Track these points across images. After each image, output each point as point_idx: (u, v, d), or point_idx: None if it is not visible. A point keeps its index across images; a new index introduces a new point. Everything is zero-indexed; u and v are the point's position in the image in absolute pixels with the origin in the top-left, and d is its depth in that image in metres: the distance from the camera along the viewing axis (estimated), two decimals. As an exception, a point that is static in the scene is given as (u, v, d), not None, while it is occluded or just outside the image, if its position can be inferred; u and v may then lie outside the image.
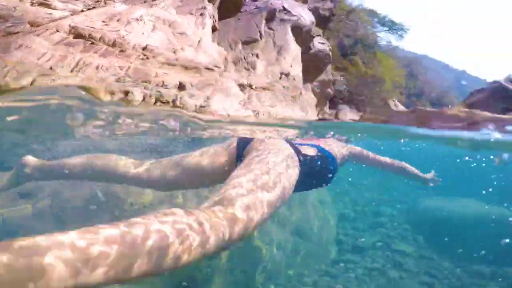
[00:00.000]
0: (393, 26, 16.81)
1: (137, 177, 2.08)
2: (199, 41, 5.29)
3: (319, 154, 2.12)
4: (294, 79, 8.06)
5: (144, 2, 5.88)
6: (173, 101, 3.46)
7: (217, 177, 2.04)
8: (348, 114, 11.58)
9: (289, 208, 6.32)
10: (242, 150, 2.01)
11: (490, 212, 6.77)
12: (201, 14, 6.45)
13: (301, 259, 6.27)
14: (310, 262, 6.36)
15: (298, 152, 1.95)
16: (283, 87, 7.32)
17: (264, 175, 1.42)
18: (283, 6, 10.92)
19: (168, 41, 4.59)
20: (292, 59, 9.21)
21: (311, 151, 2.11)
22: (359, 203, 8.13)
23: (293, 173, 1.70)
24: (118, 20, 4.14)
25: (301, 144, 2.18)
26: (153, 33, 4.57)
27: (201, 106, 3.72)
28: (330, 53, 11.61)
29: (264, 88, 6.51)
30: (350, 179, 8.80)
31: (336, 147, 2.60)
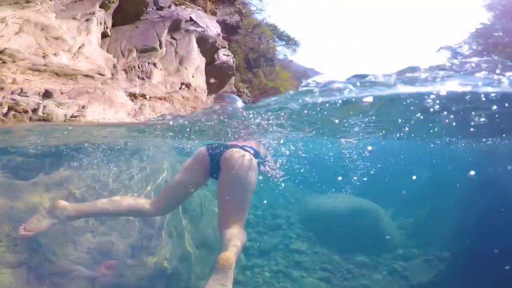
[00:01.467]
0: (289, 41, 18.34)
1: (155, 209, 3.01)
2: (80, 47, 4.89)
3: (253, 154, 2.90)
4: (195, 89, 8.04)
5: (16, 3, 5.22)
6: (34, 110, 3.09)
7: (196, 185, 3.03)
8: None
9: (190, 219, 6.19)
10: (215, 161, 2.84)
11: (363, 205, 7.71)
12: (87, 20, 6.01)
13: (209, 270, 6.17)
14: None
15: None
16: (183, 97, 7.24)
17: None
18: (190, 17, 10.86)
19: (37, 46, 4.13)
20: (195, 69, 9.20)
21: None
22: (260, 207, 8.46)
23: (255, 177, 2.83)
24: (-36, 20, 3.56)
25: (243, 147, 2.93)
26: (18, 37, 4.05)
27: (72, 116, 3.40)
28: (234, 65, 11.96)
29: (160, 98, 6.33)
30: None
31: (262, 149, 3.61)
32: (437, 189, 8.46)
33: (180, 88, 7.54)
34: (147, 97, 5.87)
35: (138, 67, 6.51)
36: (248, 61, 15.80)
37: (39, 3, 5.34)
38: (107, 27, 7.08)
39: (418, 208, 8.38)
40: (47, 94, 3.37)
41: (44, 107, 3.19)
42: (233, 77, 12.50)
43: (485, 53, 17.49)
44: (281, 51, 19.61)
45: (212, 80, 10.67)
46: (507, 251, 4.56)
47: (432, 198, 8.27)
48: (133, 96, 5.57)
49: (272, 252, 7.04)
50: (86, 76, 4.26)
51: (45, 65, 3.87)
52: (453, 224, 6.88)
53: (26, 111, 3.02)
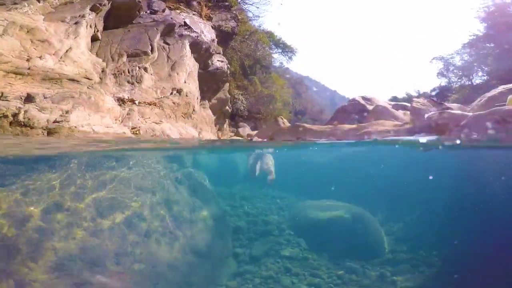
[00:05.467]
0: (285, 49, 18.33)
1: None
2: (67, 51, 4.83)
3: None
4: (186, 95, 7.97)
5: (1, 5, 5.16)
6: (15, 115, 3.02)
7: None
8: (247, 131, 12.12)
9: (179, 226, 6.11)
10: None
11: (352, 211, 7.68)
12: (76, 23, 5.96)
13: (200, 277, 6.09)
14: (210, 279, 6.24)
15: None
16: (173, 103, 7.17)
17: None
18: (184, 22, 10.81)
19: (22, 48, 4.07)
20: (187, 75, 9.14)
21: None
22: (251, 214, 8.44)
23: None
24: None
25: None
26: (2, 39, 4.00)
27: (55, 122, 3.33)
28: (229, 72, 11.91)
29: (150, 104, 6.27)
30: (245, 193, 9.18)
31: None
32: (425, 195, 8.50)
33: (171, 94, 7.46)
34: (136, 102, 5.80)
35: (128, 72, 6.45)
36: (244, 68, 15.75)
37: (26, 5, 5.29)
38: (97, 30, 7.03)
39: (406, 213, 8.41)
40: (29, 99, 3.31)
41: (26, 111, 3.13)
42: (227, 84, 12.45)
43: (475, 64, 17.71)
44: (277, 58, 19.67)
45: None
46: (493, 255, 4.55)
47: (420, 203, 8.31)
48: (121, 101, 5.50)
49: (263, 259, 6.97)
50: (72, 80, 4.20)
51: (29, 68, 3.81)
52: (440, 229, 6.90)
53: (6, 116, 2.96)
